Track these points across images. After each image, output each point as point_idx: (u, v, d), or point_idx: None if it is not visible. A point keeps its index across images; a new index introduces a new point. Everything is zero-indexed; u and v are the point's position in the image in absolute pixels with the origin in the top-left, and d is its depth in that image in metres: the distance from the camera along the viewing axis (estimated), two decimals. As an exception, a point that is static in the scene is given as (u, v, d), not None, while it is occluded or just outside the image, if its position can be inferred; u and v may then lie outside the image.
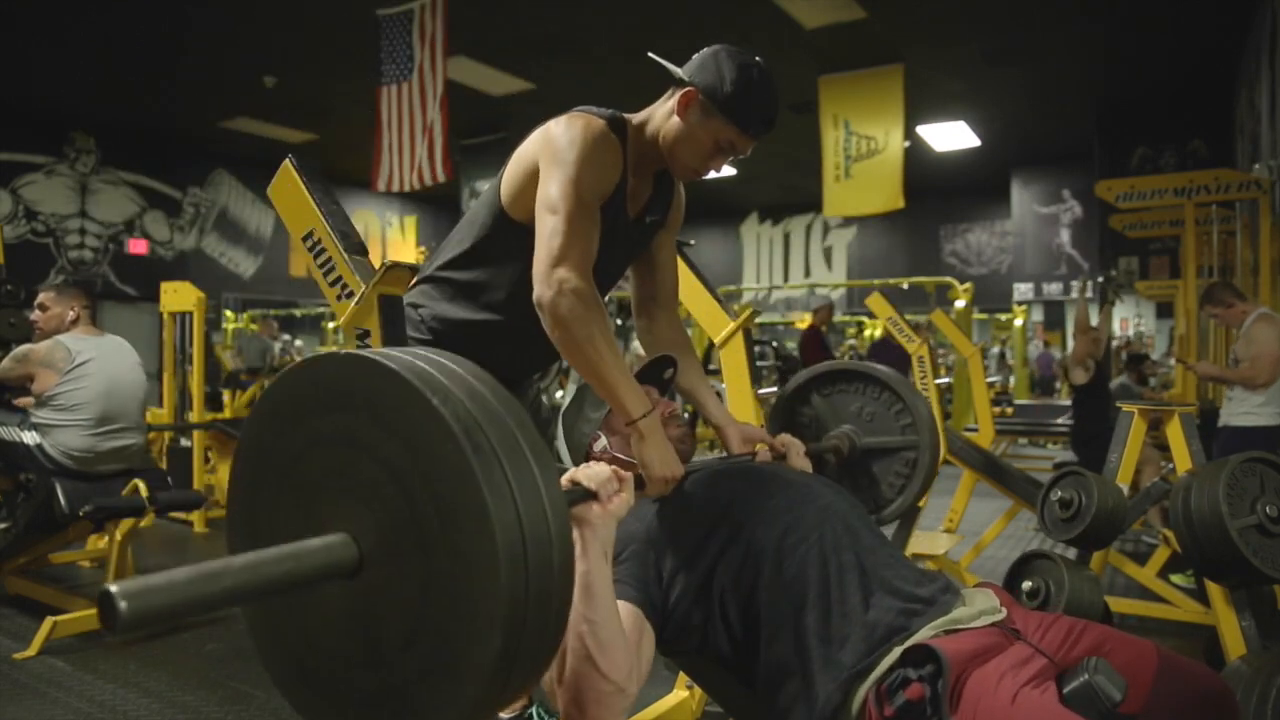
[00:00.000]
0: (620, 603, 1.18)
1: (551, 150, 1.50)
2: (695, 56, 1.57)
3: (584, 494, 1.10)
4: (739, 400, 2.07)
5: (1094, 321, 5.51)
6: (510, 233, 1.62)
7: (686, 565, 1.25)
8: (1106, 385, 5.39)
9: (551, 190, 1.47)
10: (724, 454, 1.67)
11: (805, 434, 1.93)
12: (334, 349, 0.88)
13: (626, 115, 1.63)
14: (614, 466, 1.14)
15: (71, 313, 3.45)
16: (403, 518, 0.79)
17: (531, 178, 1.54)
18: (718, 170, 1.64)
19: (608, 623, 1.10)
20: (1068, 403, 8.71)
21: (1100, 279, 8.69)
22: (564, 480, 1.10)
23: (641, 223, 1.72)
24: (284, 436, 0.88)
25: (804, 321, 12.42)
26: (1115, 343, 10.26)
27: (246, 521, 0.93)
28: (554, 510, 0.79)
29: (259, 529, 0.90)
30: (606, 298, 1.71)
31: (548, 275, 1.41)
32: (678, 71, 1.57)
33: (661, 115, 1.61)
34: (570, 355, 1.44)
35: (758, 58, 1.55)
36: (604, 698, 1.10)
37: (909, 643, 1.11)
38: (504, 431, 0.79)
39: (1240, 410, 3.77)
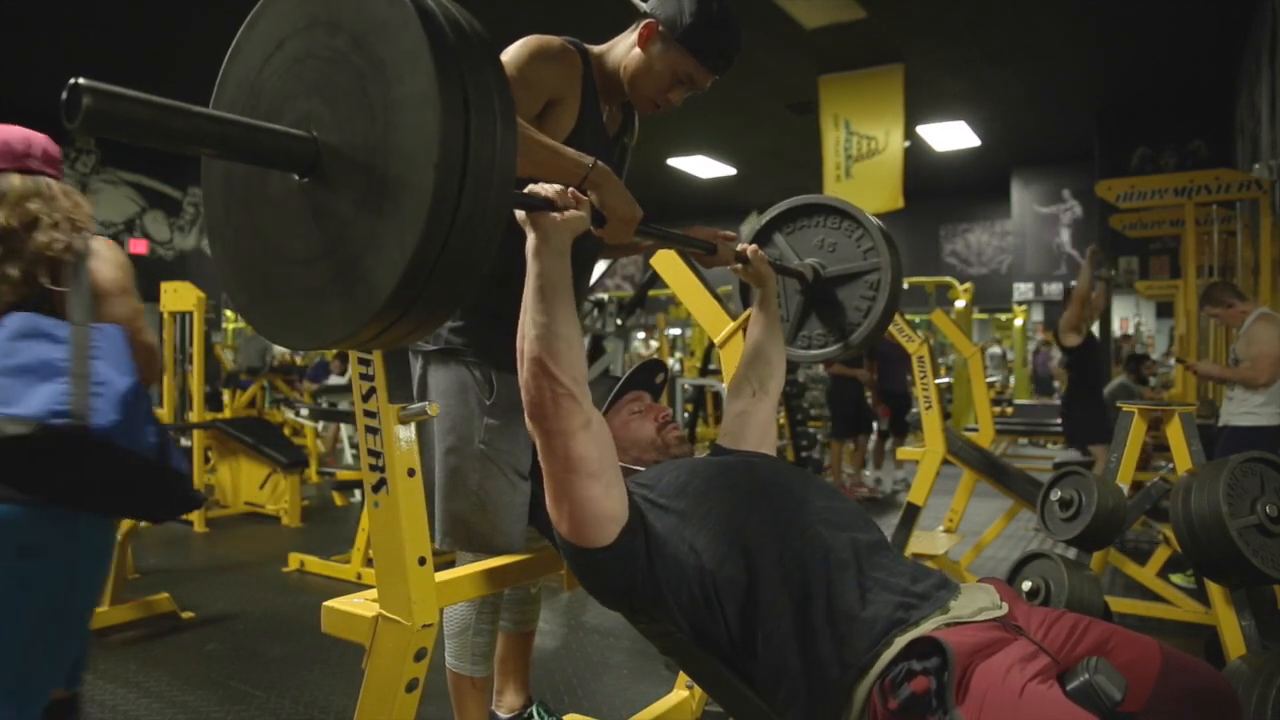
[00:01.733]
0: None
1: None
2: None
3: (542, 202, 1.16)
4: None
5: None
6: None
7: (677, 546, 1.24)
8: (1096, 349, 5.44)
9: None
10: (715, 445, 1.68)
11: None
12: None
13: (588, 45, 1.67)
14: (570, 190, 1.21)
15: None
16: (360, 122, 0.86)
17: None
18: (676, 103, 1.66)
19: (559, 326, 1.16)
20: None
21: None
22: (525, 191, 1.17)
23: (620, 143, 1.77)
24: (264, 48, 0.98)
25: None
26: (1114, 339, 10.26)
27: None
28: (504, 139, 0.86)
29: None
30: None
31: None
32: (641, 5, 1.61)
33: (623, 47, 1.65)
34: None
35: None
36: (559, 398, 1.16)
37: (910, 635, 1.11)
38: (472, 58, 0.85)
39: (1241, 410, 3.77)
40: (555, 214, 1.16)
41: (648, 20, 1.58)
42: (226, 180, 1.02)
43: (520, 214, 1.17)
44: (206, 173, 1.05)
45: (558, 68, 1.57)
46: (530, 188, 1.17)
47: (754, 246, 1.79)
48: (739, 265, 1.78)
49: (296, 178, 0.90)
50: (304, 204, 0.90)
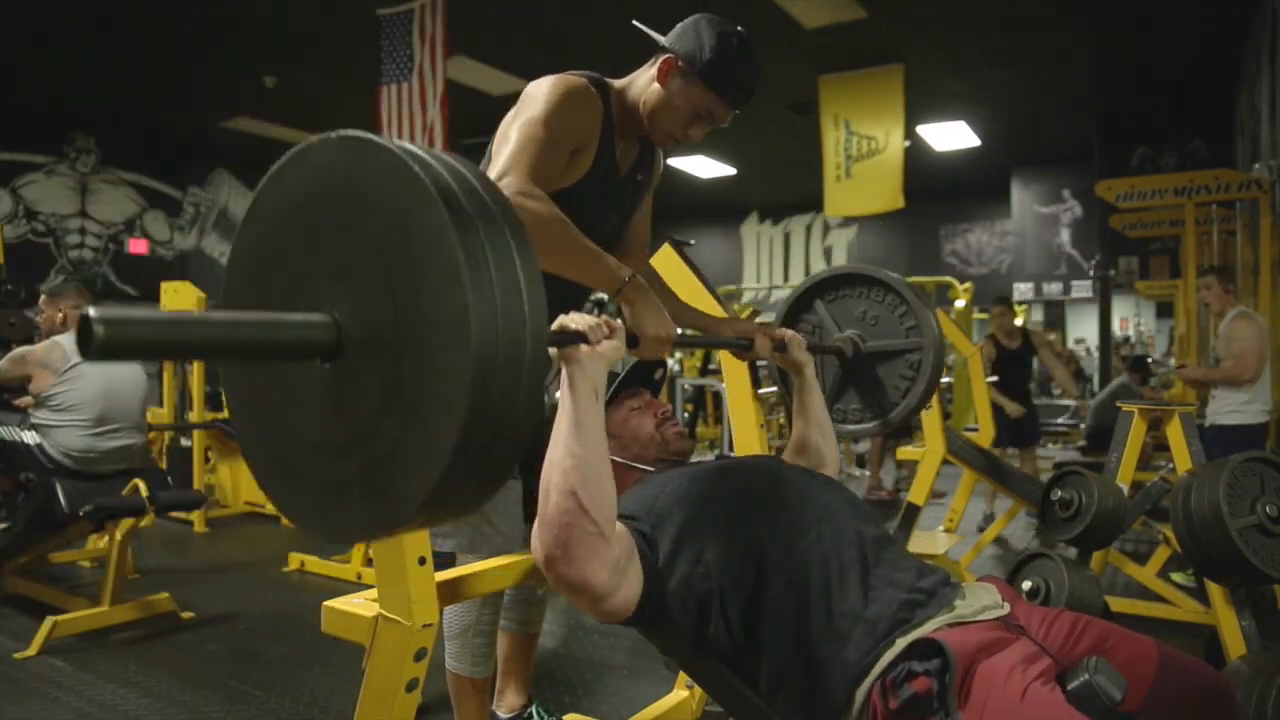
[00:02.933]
0: (617, 523, 1.19)
1: (524, 101, 1.53)
2: (678, 25, 1.60)
3: (573, 335, 1.12)
4: (739, 400, 2.07)
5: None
6: None
7: (684, 554, 1.24)
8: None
9: (511, 127, 1.50)
10: (722, 455, 1.68)
11: (809, 341, 1.94)
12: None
13: (609, 79, 1.65)
14: (604, 317, 1.17)
15: (60, 314, 3.46)
16: (382, 299, 0.80)
17: None
18: (696, 139, 1.66)
19: (594, 460, 1.10)
20: (1067, 402, 8.73)
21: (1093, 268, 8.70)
22: (554, 325, 1.12)
23: (633, 180, 1.76)
24: (276, 225, 0.90)
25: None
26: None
27: (238, 306, 0.95)
28: (532, 307, 0.79)
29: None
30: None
31: None
32: (660, 39, 1.59)
33: (643, 81, 1.64)
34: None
35: (739, 27, 1.57)
36: (587, 538, 1.09)
37: (912, 635, 1.11)
38: (493, 228, 0.79)
39: (1226, 409, 3.79)
40: (589, 347, 1.12)
41: (667, 56, 1.57)
42: None
43: (553, 350, 1.12)
44: None
45: (584, 115, 1.56)
46: (561, 320, 1.12)
47: (791, 333, 1.74)
48: (777, 354, 1.75)
49: (319, 363, 0.84)
50: (327, 390, 0.84)
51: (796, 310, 2.08)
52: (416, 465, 0.78)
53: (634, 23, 1.66)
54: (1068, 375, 6.12)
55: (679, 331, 1.44)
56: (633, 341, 1.32)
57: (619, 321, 1.20)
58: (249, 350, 0.81)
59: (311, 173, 0.87)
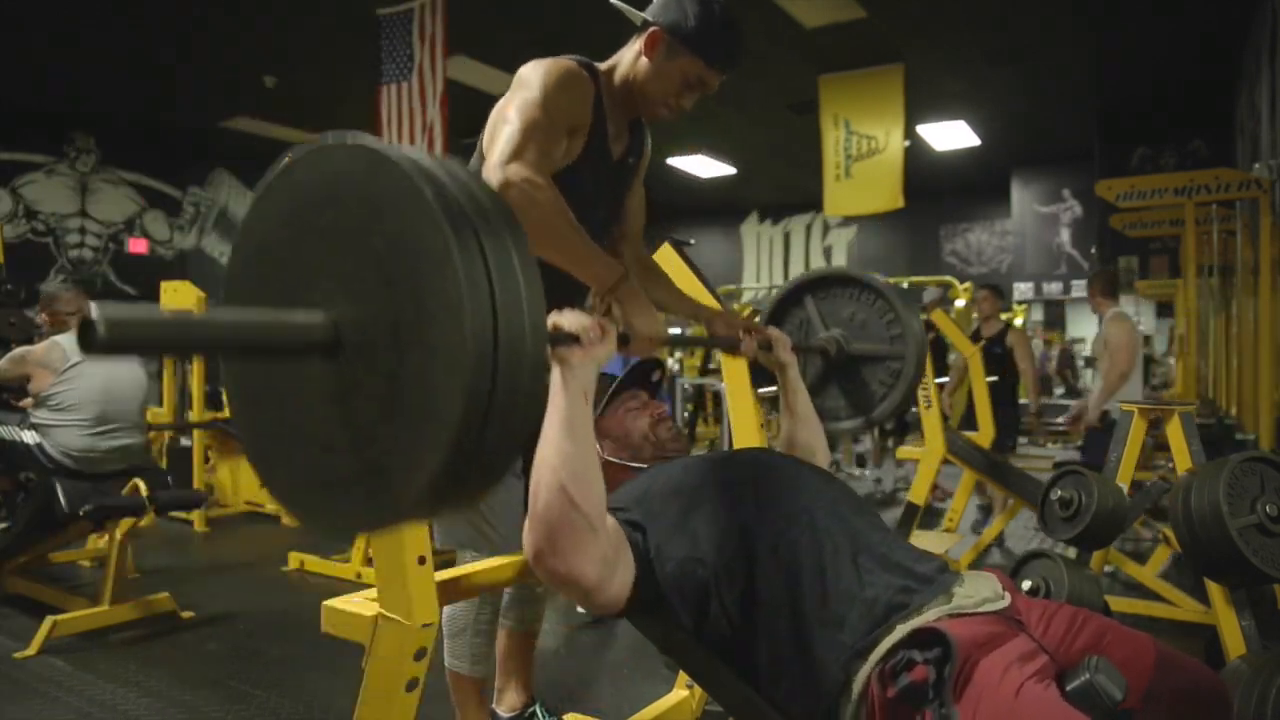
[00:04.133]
0: (608, 516, 1.19)
1: (517, 84, 1.54)
2: None
3: (566, 337, 1.12)
4: (739, 400, 2.07)
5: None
6: None
7: (678, 545, 1.24)
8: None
9: (509, 108, 1.50)
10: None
11: (796, 336, 1.96)
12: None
13: (596, 63, 1.66)
14: (596, 317, 1.17)
15: (62, 314, 3.46)
16: (381, 302, 0.81)
17: None
18: (686, 108, 1.67)
19: (583, 457, 1.11)
20: (1068, 402, 8.72)
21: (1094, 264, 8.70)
22: (550, 325, 1.12)
23: (625, 163, 1.77)
24: (279, 224, 0.91)
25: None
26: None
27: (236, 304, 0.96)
28: (531, 309, 0.79)
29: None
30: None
31: (495, 171, 1.41)
32: (639, 15, 1.62)
33: (629, 59, 1.65)
34: (532, 243, 1.44)
35: None
36: (576, 531, 1.10)
37: (914, 621, 1.11)
38: (495, 235, 0.80)
39: (1115, 403, 4.12)
40: (580, 347, 1.12)
41: (652, 29, 1.59)
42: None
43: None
44: None
45: (577, 97, 1.57)
46: (553, 319, 1.12)
47: (777, 333, 1.75)
48: (761, 353, 1.77)
49: (319, 361, 0.85)
50: (327, 389, 0.85)
51: (787, 304, 2.11)
52: (415, 461, 0.78)
53: (612, 1, 1.67)
54: (1033, 378, 5.93)
55: (670, 331, 1.44)
56: (623, 339, 1.32)
57: (610, 323, 1.20)
58: (249, 347, 0.82)
59: (318, 176, 0.87)
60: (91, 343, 0.66)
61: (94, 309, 0.66)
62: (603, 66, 1.68)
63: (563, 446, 1.10)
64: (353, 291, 0.83)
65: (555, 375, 1.13)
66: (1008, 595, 1.22)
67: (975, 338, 5.38)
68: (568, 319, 1.14)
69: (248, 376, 0.97)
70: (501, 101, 1.57)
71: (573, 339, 1.12)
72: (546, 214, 1.39)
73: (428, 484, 0.78)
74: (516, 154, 1.43)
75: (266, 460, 0.95)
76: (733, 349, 1.73)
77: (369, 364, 0.82)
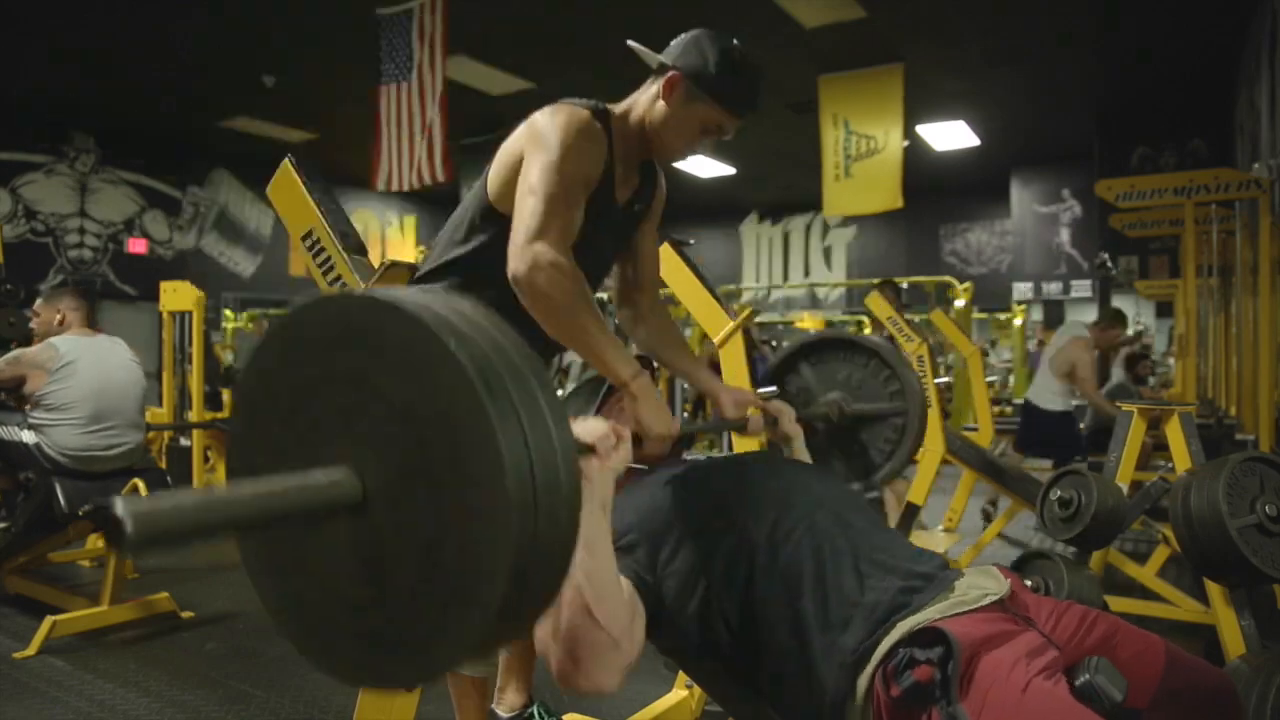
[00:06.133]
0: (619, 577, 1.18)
1: (535, 138, 1.52)
2: (674, 42, 1.61)
3: (582, 448, 1.09)
4: (739, 400, 2.07)
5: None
6: (498, 227, 1.60)
7: (680, 559, 1.24)
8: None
9: (532, 175, 1.48)
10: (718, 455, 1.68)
11: (795, 404, 1.96)
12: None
13: (609, 105, 1.65)
14: (611, 423, 1.15)
15: (58, 315, 3.46)
16: (411, 459, 0.77)
17: (516, 170, 1.55)
18: (702, 152, 1.67)
19: (604, 573, 1.09)
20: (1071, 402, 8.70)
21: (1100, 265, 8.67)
22: None
23: (630, 210, 1.75)
24: (289, 373, 0.86)
25: (804, 322, 12.42)
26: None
27: (246, 458, 0.91)
28: (565, 458, 0.76)
29: (259, 466, 0.87)
30: (605, 296, 1.72)
31: (522, 250, 1.41)
32: (657, 58, 1.60)
33: (645, 102, 1.64)
34: (553, 327, 1.44)
35: (735, 40, 1.59)
36: (600, 649, 1.07)
37: (914, 620, 1.10)
38: (521, 380, 0.76)
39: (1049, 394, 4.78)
40: (598, 458, 1.10)
41: (670, 73, 1.58)
42: None
43: None
44: None
45: (595, 154, 1.56)
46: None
47: (781, 406, 1.74)
48: (768, 428, 1.76)
49: (345, 519, 0.81)
50: (355, 548, 0.81)
51: (782, 373, 2.12)
52: (460, 621, 0.75)
53: (630, 44, 1.66)
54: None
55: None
56: (636, 440, 1.30)
57: (625, 430, 1.18)
58: (277, 518, 0.78)
59: (329, 323, 0.83)
60: (121, 543, 0.63)
61: (120, 506, 0.62)
62: (615, 110, 1.66)
63: (585, 564, 1.05)
64: (375, 443, 0.79)
65: None
66: (1008, 582, 1.21)
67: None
68: (584, 429, 1.11)
69: (270, 546, 0.91)
70: (521, 151, 1.55)
71: (589, 449, 1.10)
72: (570, 302, 1.40)
73: (472, 644, 0.76)
74: (541, 232, 1.42)
75: (294, 623, 0.90)
76: (741, 430, 1.72)
77: (402, 521, 0.78)
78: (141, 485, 3.24)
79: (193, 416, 5.45)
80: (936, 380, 3.85)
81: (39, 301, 3.55)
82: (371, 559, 0.80)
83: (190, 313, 5.08)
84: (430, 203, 13.54)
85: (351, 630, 0.84)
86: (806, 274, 14.76)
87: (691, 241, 2.25)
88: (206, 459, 5.52)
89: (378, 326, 0.79)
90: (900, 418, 1.99)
